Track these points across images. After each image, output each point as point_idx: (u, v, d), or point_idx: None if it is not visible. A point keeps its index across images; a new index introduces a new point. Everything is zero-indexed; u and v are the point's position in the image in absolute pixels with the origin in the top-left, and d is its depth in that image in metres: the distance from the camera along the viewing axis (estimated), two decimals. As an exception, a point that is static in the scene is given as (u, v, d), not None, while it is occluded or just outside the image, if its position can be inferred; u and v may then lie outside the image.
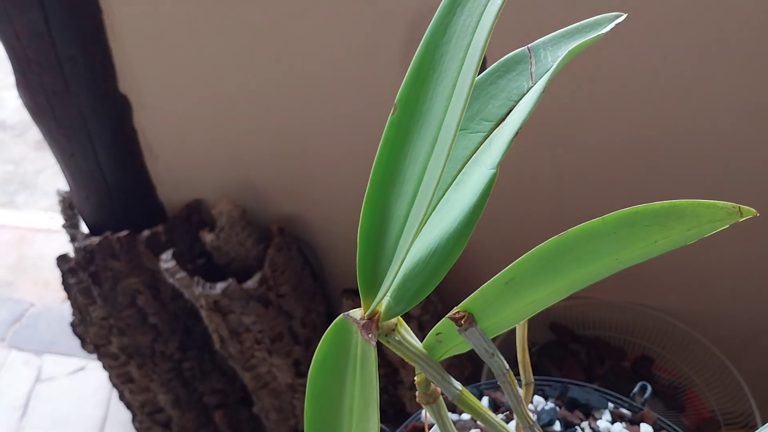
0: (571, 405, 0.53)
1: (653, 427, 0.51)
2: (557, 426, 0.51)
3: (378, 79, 0.77)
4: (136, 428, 1.11)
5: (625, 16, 0.27)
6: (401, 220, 0.26)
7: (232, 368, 1.05)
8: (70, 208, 1.02)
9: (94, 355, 1.06)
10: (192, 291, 0.88)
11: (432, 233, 0.26)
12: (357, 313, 0.28)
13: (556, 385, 0.54)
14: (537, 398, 0.54)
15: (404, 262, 0.26)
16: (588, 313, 0.95)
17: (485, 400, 0.54)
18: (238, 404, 1.11)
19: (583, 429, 0.51)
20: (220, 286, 0.86)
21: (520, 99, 0.26)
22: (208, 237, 0.92)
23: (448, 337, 0.31)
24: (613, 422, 0.52)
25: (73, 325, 1.04)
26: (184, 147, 0.94)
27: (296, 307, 0.94)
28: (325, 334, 0.29)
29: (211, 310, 0.88)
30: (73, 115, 0.88)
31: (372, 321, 0.27)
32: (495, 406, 0.53)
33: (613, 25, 0.26)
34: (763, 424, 0.84)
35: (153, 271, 0.96)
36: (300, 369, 0.97)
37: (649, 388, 0.53)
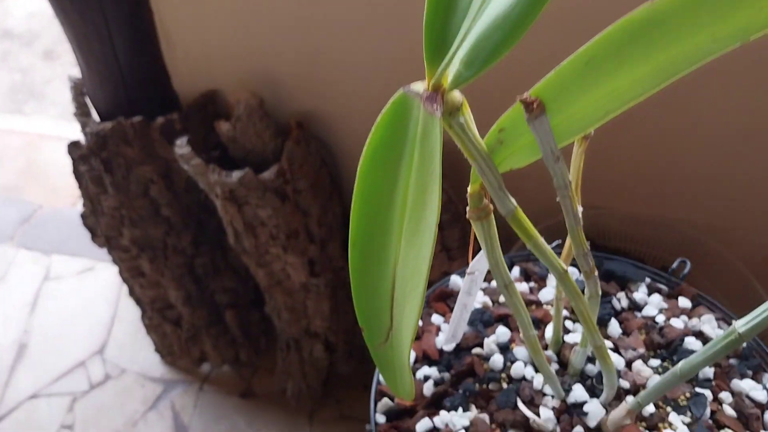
0: (608, 277, 0.51)
1: (692, 302, 0.50)
2: (592, 294, 0.49)
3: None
4: (146, 325, 1.11)
5: None
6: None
7: (245, 267, 1.04)
8: (81, 95, 0.99)
9: (104, 253, 1.05)
10: (207, 179, 0.85)
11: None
12: (419, 86, 0.25)
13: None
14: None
15: (480, 16, 0.24)
16: (610, 224, 0.93)
17: (516, 270, 0.53)
18: (250, 305, 1.10)
19: (619, 299, 0.49)
20: (236, 175, 0.84)
21: None
22: (224, 127, 0.89)
23: (512, 135, 0.29)
24: (649, 295, 0.50)
25: (83, 216, 1.02)
26: (203, 36, 0.91)
27: (313, 205, 0.92)
28: (379, 117, 0.27)
29: (227, 199, 0.86)
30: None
31: (437, 92, 0.25)
32: (527, 276, 0.52)
33: None
34: None
35: (166, 160, 0.93)
36: (314, 269, 0.96)
37: (689, 264, 0.51)
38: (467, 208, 0.32)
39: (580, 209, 0.32)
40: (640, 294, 0.50)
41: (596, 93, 0.27)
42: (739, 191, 0.84)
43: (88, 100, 0.98)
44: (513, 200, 0.31)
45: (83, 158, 0.95)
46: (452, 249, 0.88)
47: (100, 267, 1.32)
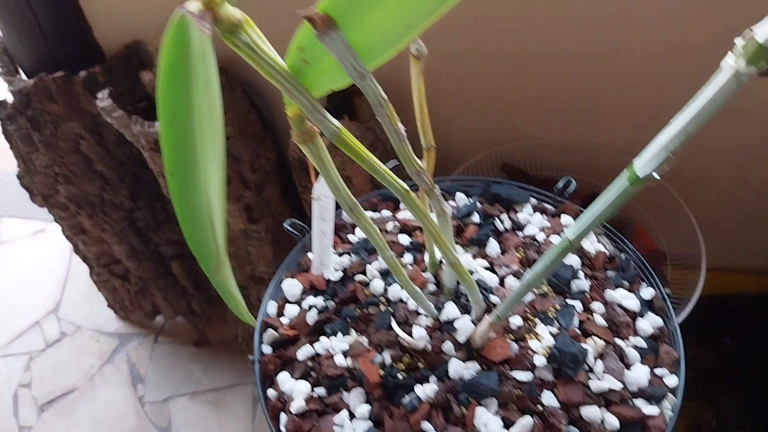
0: (493, 200, 0.52)
1: (574, 219, 0.51)
2: (476, 218, 0.50)
3: None
4: (94, 281, 1.12)
5: None
6: None
7: (185, 219, 1.04)
8: (5, 54, 0.97)
9: (46, 211, 1.05)
10: (131, 131, 0.85)
11: None
12: (193, 4, 0.25)
13: (479, 183, 0.53)
14: (460, 195, 0.53)
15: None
16: (540, 154, 0.93)
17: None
18: (195, 256, 1.11)
19: (502, 221, 0.50)
20: (158, 124, 0.83)
21: None
22: (146, 76, 0.88)
23: (314, 54, 0.28)
24: (534, 214, 0.51)
25: (19, 177, 1.01)
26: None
27: (244, 151, 0.92)
28: (163, 39, 0.27)
29: (153, 150, 0.86)
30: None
31: (209, 10, 0.25)
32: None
33: None
34: (707, 266, 0.85)
35: (94, 115, 0.92)
36: (252, 215, 0.97)
37: (573, 183, 0.51)
38: (291, 132, 0.32)
39: (401, 128, 0.32)
40: (524, 214, 0.51)
41: (389, 6, 0.27)
42: (662, 112, 0.85)
43: (12, 57, 0.96)
44: (335, 121, 0.31)
45: (10, 117, 0.93)
46: (382, 186, 0.89)
47: (51, 228, 1.32)
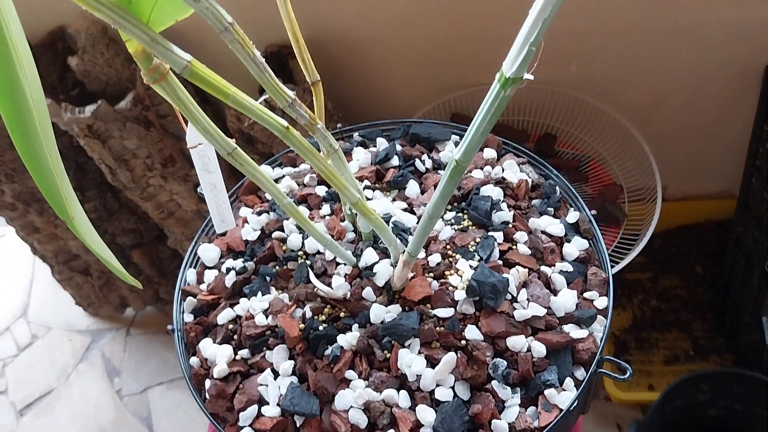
0: (413, 140, 0.50)
1: (497, 151, 0.49)
2: (395, 161, 0.48)
3: None
4: (58, 280, 1.10)
5: None
6: None
7: (140, 205, 1.02)
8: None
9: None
10: (62, 119, 0.82)
11: None
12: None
13: (399, 126, 0.51)
14: (380, 140, 0.50)
15: None
16: (489, 99, 0.91)
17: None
18: (156, 241, 1.09)
19: (423, 161, 0.48)
20: (89, 109, 0.81)
21: None
22: (73, 61, 0.85)
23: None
24: (456, 151, 0.49)
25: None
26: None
27: (183, 128, 0.89)
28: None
29: (88, 137, 0.83)
30: None
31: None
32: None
33: None
34: (671, 197, 0.83)
35: (25, 107, 0.89)
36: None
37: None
38: (139, 72, 0.30)
39: (257, 54, 0.29)
40: (446, 152, 0.49)
41: None
42: (612, 42, 0.82)
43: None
44: (183, 54, 0.29)
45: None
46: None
47: (10, 232, 1.29)
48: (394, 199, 0.46)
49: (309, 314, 0.40)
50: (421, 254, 0.41)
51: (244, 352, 0.41)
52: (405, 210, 0.44)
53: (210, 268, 0.46)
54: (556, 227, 0.43)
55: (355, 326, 0.39)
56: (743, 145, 0.90)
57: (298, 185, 0.49)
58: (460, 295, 0.39)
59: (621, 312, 0.99)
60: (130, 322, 1.16)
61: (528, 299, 0.39)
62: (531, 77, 0.28)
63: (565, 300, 0.39)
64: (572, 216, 0.44)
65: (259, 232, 0.46)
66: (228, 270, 0.44)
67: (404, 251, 0.38)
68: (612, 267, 0.78)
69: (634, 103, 0.89)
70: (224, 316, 0.42)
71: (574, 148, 0.90)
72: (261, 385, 0.39)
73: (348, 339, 0.39)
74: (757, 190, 0.86)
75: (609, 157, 0.88)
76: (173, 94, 0.30)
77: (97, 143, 0.84)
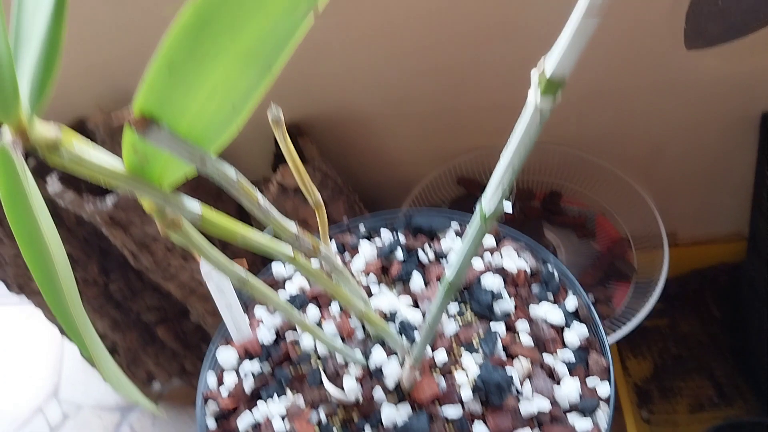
0: (416, 231, 0.52)
1: (495, 237, 0.51)
2: (399, 254, 0.50)
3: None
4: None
5: None
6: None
7: (163, 285, 1.05)
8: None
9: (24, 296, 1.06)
10: (86, 211, 0.86)
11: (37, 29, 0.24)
12: (6, 133, 0.26)
13: (401, 216, 0.54)
14: (384, 232, 0.53)
15: (23, 66, 0.24)
16: (492, 162, 0.93)
17: (333, 243, 0.53)
18: (179, 316, 1.11)
19: (426, 252, 0.50)
20: (110, 200, 0.84)
21: None
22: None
23: (150, 150, 0.29)
24: (457, 238, 0.51)
25: (-8, 270, 1.02)
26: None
27: (196, 258, 0.92)
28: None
29: (110, 225, 0.87)
30: None
31: (20, 136, 0.25)
32: (342, 247, 0.53)
33: None
34: (668, 242, 0.84)
35: (50, 199, 0.93)
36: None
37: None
38: (158, 225, 0.32)
39: (261, 200, 0.32)
40: (446, 241, 0.51)
41: (204, 91, 0.27)
42: (607, 100, 0.85)
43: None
44: (195, 206, 0.32)
45: (-30, 216, 0.95)
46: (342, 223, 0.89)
47: (39, 312, 1.33)
48: (399, 293, 0.48)
49: (324, 418, 0.42)
50: (428, 351, 0.43)
51: (265, 456, 0.43)
52: (411, 305, 0.46)
53: (228, 371, 0.48)
54: (556, 315, 0.45)
55: (368, 428, 0.41)
56: (747, 189, 0.91)
57: (309, 283, 0.51)
58: (466, 392, 0.41)
59: (641, 361, 1.00)
60: (158, 395, 1.18)
61: (533, 392, 0.41)
62: (509, 210, 0.30)
63: (569, 390, 0.40)
64: (571, 302, 0.46)
65: (274, 335, 0.48)
66: (246, 375, 0.46)
67: (410, 354, 0.40)
68: (627, 322, 0.79)
69: (634, 157, 0.91)
70: (245, 422, 0.44)
71: (580, 204, 0.92)
72: (282, 488, 0.41)
73: (362, 441, 0.40)
74: (765, 234, 0.87)
75: (614, 211, 0.90)
76: (188, 240, 0.32)
77: (119, 231, 0.88)
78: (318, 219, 0.40)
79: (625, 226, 0.88)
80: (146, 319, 1.09)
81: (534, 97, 0.25)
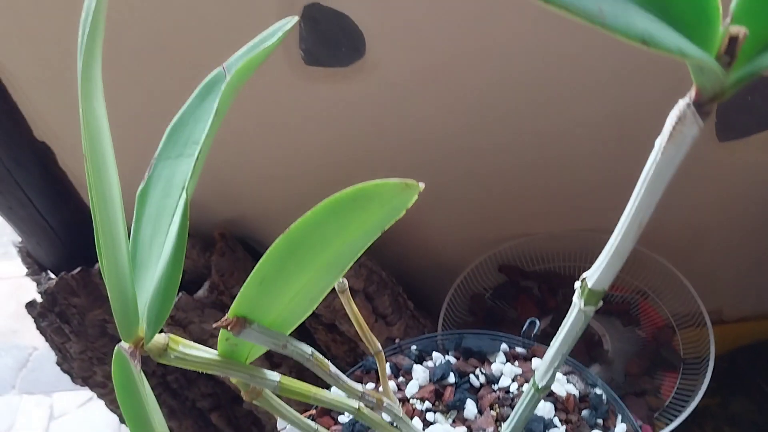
0: (466, 354, 0.55)
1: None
2: (451, 378, 0.53)
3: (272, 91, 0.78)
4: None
5: (297, 19, 0.28)
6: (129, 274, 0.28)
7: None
8: (28, 256, 1.06)
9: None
10: (148, 311, 0.91)
11: (158, 264, 0.28)
12: (125, 343, 0.30)
13: (452, 337, 0.57)
14: (435, 354, 0.56)
15: (143, 294, 0.29)
16: (534, 248, 0.96)
17: (386, 366, 0.57)
18: (232, 402, 1.15)
19: (477, 376, 0.53)
20: (171, 302, 0.89)
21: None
22: (154, 256, 0.95)
23: (240, 342, 0.33)
24: (507, 362, 0.54)
25: (58, 363, 1.08)
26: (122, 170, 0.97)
27: None
28: (113, 366, 0.32)
29: (170, 325, 0.92)
30: (-2, 171, 0.91)
31: (137, 348, 0.30)
32: (396, 370, 0.56)
33: (287, 29, 0.28)
34: (714, 320, 0.86)
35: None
36: (273, 359, 1.01)
37: (538, 324, 0.54)
38: (241, 393, 0.36)
39: (332, 369, 0.36)
40: (497, 365, 0.54)
41: (287, 296, 0.31)
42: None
43: (34, 258, 1.05)
44: (275, 376, 0.36)
45: (41, 315, 1.01)
46: (387, 315, 0.92)
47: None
48: (454, 421, 0.51)
49: None
50: (485, 481, 0.46)
51: None
52: (466, 435, 0.49)
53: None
54: (606, 441, 0.47)
55: None
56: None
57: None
58: None
59: (693, 443, 0.99)
60: (213, 479, 1.21)
61: None
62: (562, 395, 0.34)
63: None
64: (620, 429, 0.48)
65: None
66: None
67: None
68: (677, 409, 0.80)
69: (674, 242, 0.93)
70: None
71: (622, 290, 0.94)
72: None
73: None
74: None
75: (656, 296, 0.92)
76: (270, 405, 0.36)
77: (179, 329, 0.93)
78: (378, 366, 0.43)
79: (669, 308, 0.89)
80: (201, 406, 1.13)
81: (579, 301, 0.29)
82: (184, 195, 0.27)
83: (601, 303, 0.29)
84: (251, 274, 0.31)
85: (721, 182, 0.86)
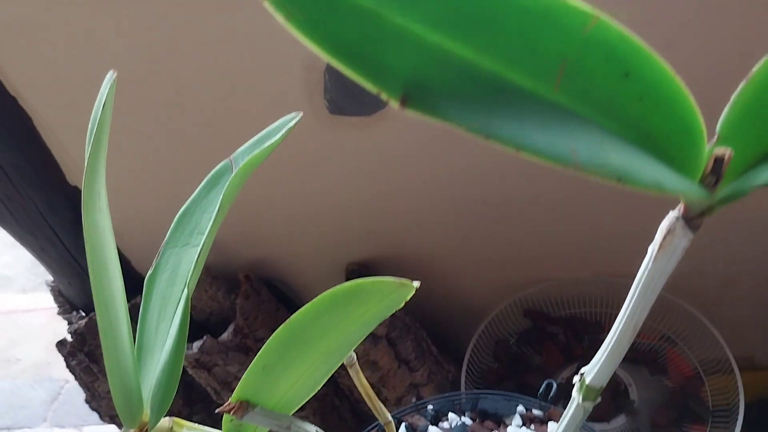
0: (482, 416, 0.55)
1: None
2: (467, 441, 0.53)
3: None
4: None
5: (300, 114, 0.29)
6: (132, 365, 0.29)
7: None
8: (60, 295, 1.08)
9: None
10: (173, 354, 0.92)
11: (162, 350, 0.29)
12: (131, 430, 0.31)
13: (468, 397, 0.56)
14: (452, 415, 0.56)
15: (148, 377, 0.29)
16: (560, 293, 0.95)
17: (402, 427, 0.57)
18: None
19: (493, 439, 0.52)
20: (196, 345, 0.91)
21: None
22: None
23: (244, 425, 0.34)
24: (523, 425, 0.53)
25: (87, 401, 1.10)
26: (144, 219, 0.99)
27: None
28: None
29: (195, 367, 0.93)
30: (31, 214, 0.93)
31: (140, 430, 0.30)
32: (412, 430, 0.56)
33: (290, 125, 0.29)
34: (746, 366, 0.84)
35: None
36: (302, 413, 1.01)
37: (555, 386, 0.54)
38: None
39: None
40: (513, 428, 0.53)
41: (289, 380, 0.32)
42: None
43: (66, 298, 1.08)
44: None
45: (71, 354, 1.03)
46: (410, 360, 0.92)
47: None
48: (470, 487, 0.50)
49: None
50: None
51: None
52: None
53: None
54: None
55: None
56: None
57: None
58: None
59: (726, 495, 0.96)
60: None
61: None
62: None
63: None
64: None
65: None
66: None
67: None
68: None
69: (703, 290, 0.91)
70: None
71: (649, 338, 0.92)
72: None
73: None
74: None
75: (683, 344, 0.89)
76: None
77: (203, 372, 0.94)
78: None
79: (697, 356, 0.87)
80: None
81: (577, 396, 0.29)
82: (185, 292, 0.28)
83: (599, 399, 0.29)
84: (254, 361, 0.31)
85: (755, 226, 0.84)
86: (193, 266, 0.28)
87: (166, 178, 0.92)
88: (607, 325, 0.94)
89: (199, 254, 0.29)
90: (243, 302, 0.94)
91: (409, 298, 0.27)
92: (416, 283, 0.26)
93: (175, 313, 0.30)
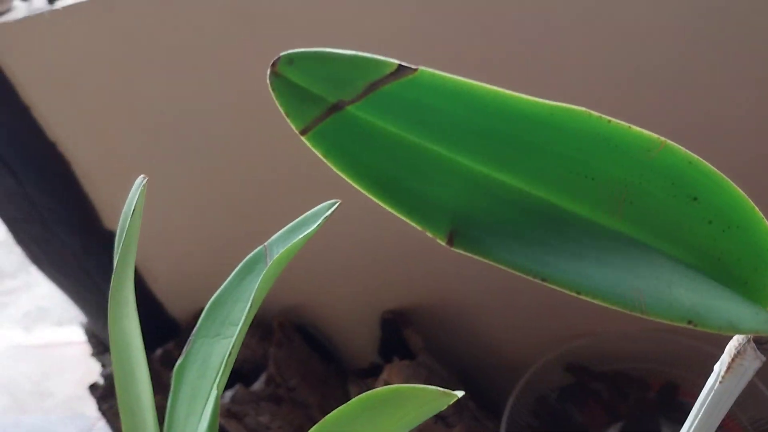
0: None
1: None
2: None
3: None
4: None
5: (338, 202, 0.27)
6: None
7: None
8: (94, 337, 1.08)
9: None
10: (204, 402, 0.90)
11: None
12: None
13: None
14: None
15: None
16: (604, 348, 0.91)
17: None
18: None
19: None
20: (228, 395, 0.89)
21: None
22: (213, 345, 0.95)
23: None
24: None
25: (117, 445, 1.09)
26: (179, 264, 0.98)
27: (310, 396, 0.95)
28: None
29: (226, 417, 0.91)
30: (67, 258, 0.93)
31: None
32: None
33: (327, 214, 0.27)
34: None
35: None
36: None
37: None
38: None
39: None
40: None
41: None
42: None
43: (100, 339, 1.07)
44: None
45: (103, 398, 1.02)
46: (447, 416, 0.89)
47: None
48: None
49: None
50: None
51: None
52: None
53: None
54: None
55: None
56: None
57: None
58: None
59: None
60: None
61: None
62: None
63: None
64: None
65: None
66: None
67: None
68: None
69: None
70: None
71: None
72: None
73: None
74: None
75: (735, 406, 0.84)
76: None
77: (234, 421, 0.92)
78: None
79: (744, 417, 0.82)
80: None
81: None
82: (214, 392, 0.26)
83: None
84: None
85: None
86: (224, 363, 0.27)
87: (201, 222, 0.91)
88: (654, 382, 0.90)
89: (231, 349, 0.27)
90: (276, 351, 0.92)
91: (446, 407, 0.25)
92: (460, 393, 0.24)
93: (204, 408, 0.28)
